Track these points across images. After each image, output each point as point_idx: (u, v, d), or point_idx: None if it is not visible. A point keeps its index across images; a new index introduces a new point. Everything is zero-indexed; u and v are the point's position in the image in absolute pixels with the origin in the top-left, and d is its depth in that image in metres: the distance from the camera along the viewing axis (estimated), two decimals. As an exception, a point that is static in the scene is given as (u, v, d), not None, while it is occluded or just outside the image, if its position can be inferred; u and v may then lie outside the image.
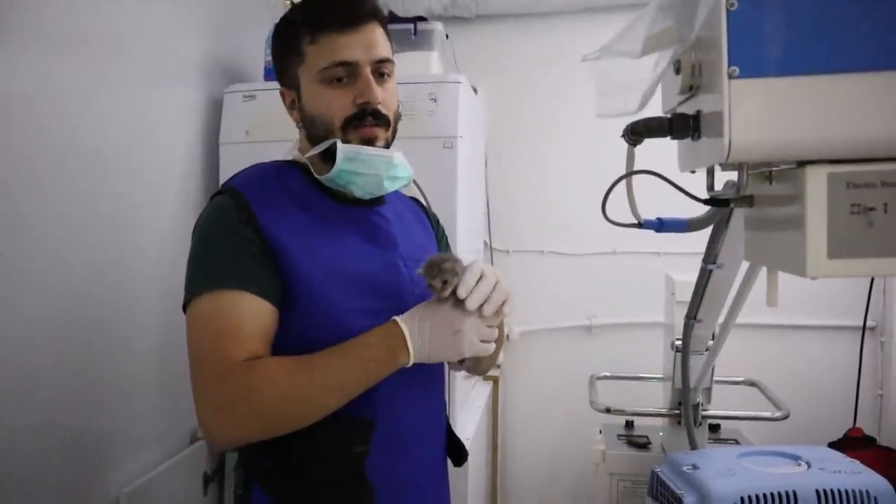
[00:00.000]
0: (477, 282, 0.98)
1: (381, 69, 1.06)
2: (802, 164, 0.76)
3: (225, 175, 1.98)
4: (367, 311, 1.02)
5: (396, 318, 0.99)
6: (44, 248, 1.39)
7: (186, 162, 1.93)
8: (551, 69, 2.74)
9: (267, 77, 2.08)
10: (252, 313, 0.96)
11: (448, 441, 1.21)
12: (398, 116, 1.12)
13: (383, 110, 1.06)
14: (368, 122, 1.05)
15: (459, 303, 0.97)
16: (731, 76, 0.71)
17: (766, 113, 0.72)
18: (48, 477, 1.40)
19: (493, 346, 1.03)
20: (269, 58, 2.05)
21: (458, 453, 1.24)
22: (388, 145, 1.09)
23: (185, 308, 1.00)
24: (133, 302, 1.68)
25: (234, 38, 2.16)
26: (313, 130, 1.08)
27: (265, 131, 1.89)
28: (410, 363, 0.98)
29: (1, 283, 1.27)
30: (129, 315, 1.66)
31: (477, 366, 1.23)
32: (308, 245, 1.01)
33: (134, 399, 1.68)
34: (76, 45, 1.47)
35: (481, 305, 0.98)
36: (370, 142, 1.05)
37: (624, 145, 0.99)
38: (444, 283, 0.97)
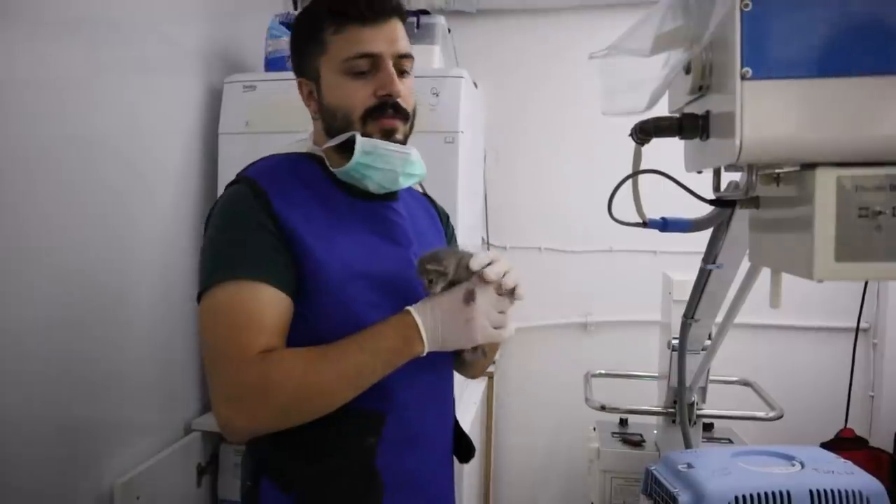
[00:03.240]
0: (489, 263, 1.00)
1: (402, 65, 1.07)
2: (808, 166, 0.76)
3: (224, 165, 1.97)
4: (380, 305, 1.02)
5: (409, 307, 1.00)
6: (39, 238, 1.38)
7: (185, 152, 1.92)
8: (551, 66, 2.74)
9: (267, 67, 2.07)
10: (270, 305, 0.96)
11: (455, 437, 1.22)
12: (415, 113, 1.12)
13: (403, 104, 1.06)
14: (389, 114, 1.05)
15: (470, 293, 0.99)
16: (743, 77, 0.71)
17: (779, 115, 0.71)
18: (43, 467, 1.40)
19: (508, 331, 1.04)
20: (270, 48, 2.04)
21: (465, 450, 1.25)
22: (405, 140, 1.10)
23: (199, 297, 0.99)
24: (129, 292, 1.67)
25: (234, 28, 2.15)
26: (332, 121, 1.08)
27: (265, 122, 1.88)
28: (426, 352, 0.98)
29: (-3, 272, 1.26)
30: (125, 305, 1.66)
31: (475, 364, 1.24)
32: (325, 238, 1.01)
33: (128, 390, 1.68)
34: (74, 31, 1.46)
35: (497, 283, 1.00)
36: (390, 133, 1.06)
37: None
38: (430, 282, 0.99)
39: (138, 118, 1.70)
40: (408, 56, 1.08)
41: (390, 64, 1.05)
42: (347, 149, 1.04)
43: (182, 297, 1.88)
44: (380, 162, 1.05)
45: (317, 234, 1.01)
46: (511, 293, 1.03)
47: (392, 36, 1.05)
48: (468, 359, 1.11)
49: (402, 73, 1.07)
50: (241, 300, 0.95)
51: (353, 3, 1.04)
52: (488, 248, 2.76)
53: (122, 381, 1.65)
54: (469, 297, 0.98)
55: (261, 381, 0.93)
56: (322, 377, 0.95)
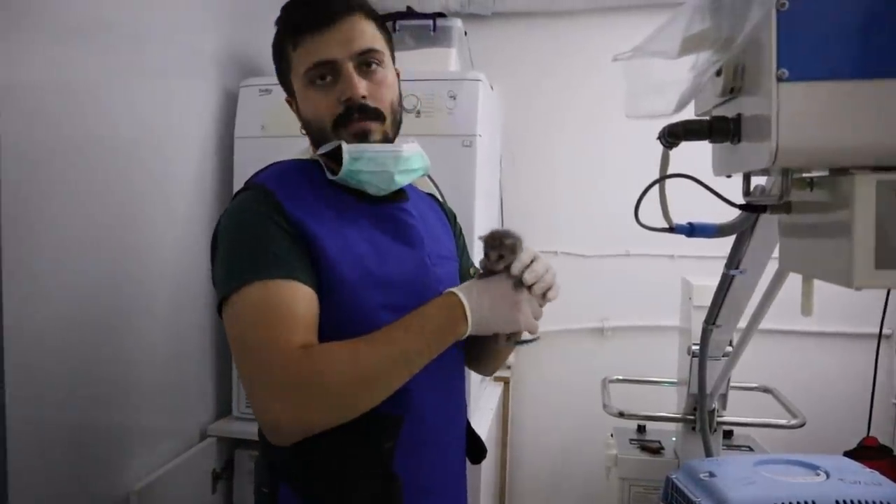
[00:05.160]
0: (531, 262, 1.00)
1: (366, 59, 1.05)
2: (839, 170, 0.74)
3: (239, 169, 1.97)
4: (394, 307, 1.00)
5: (453, 289, 0.99)
6: (56, 243, 1.37)
7: (201, 156, 1.92)
8: (567, 69, 2.72)
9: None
10: (300, 300, 0.94)
11: (468, 439, 1.22)
12: (397, 107, 1.11)
13: (371, 103, 1.04)
14: (355, 118, 1.04)
15: (512, 280, 0.99)
16: (780, 79, 0.69)
17: (816, 117, 0.69)
18: (60, 474, 1.39)
19: (538, 325, 1.04)
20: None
21: (477, 451, 1.24)
22: (387, 138, 1.08)
23: (222, 303, 0.97)
24: (144, 298, 1.67)
25: (250, 32, 2.15)
26: (312, 134, 1.09)
27: (281, 126, 1.87)
28: (468, 333, 0.98)
29: (12, 279, 1.25)
30: (140, 311, 1.65)
31: (494, 358, 1.25)
32: (338, 238, 1.00)
33: (144, 396, 1.67)
34: (90, 36, 1.46)
35: (532, 284, 0.99)
36: (364, 136, 1.04)
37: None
38: (501, 257, 0.98)
39: (155, 122, 1.69)
40: (370, 50, 1.05)
41: (349, 66, 1.03)
42: (339, 157, 1.03)
43: (197, 302, 1.87)
44: (370, 165, 1.04)
45: (329, 234, 1.00)
46: (542, 296, 1.02)
47: (347, 36, 1.03)
48: (500, 345, 1.10)
49: (368, 67, 1.05)
50: (273, 298, 0.93)
51: (302, 15, 1.04)
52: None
53: (136, 386, 1.64)
54: (518, 283, 0.99)
55: (309, 375, 0.90)
56: (371, 364, 0.92)
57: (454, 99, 1.82)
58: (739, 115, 0.82)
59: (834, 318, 2.50)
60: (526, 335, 1.08)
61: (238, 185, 1.94)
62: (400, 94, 1.13)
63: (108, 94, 1.52)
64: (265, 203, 0.99)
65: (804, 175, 0.82)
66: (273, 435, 0.94)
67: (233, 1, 2.06)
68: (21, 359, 1.28)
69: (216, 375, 2.01)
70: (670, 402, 2.11)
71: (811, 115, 0.70)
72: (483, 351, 1.21)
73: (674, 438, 2.10)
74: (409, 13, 2.24)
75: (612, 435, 2.22)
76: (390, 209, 1.10)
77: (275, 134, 1.91)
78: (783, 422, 1.85)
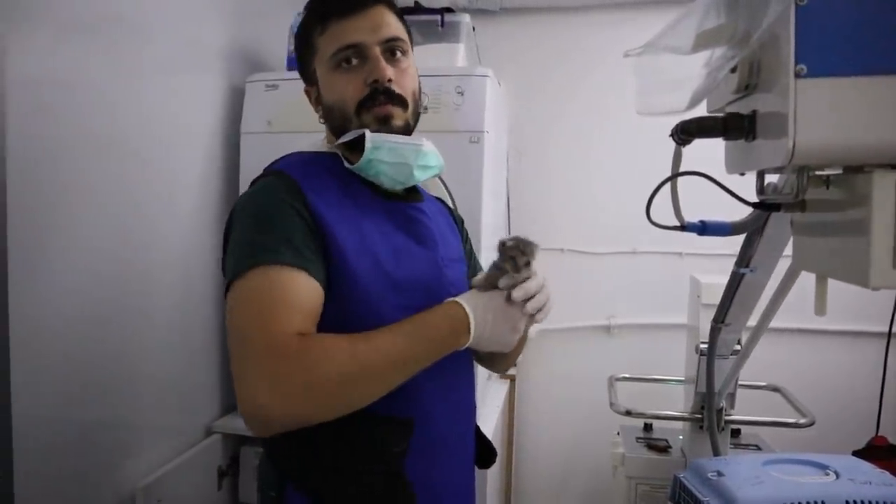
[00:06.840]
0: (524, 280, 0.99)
1: (392, 47, 1.06)
2: (854, 168, 0.73)
3: (246, 165, 1.96)
4: (406, 307, 0.99)
5: (458, 300, 0.98)
6: (61, 240, 1.37)
7: (207, 151, 1.91)
8: (575, 65, 2.71)
9: (290, 66, 2.06)
10: (306, 292, 0.92)
11: (477, 442, 1.20)
12: (418, 98, 1.11)
13: (396, 89, 1.04)
14: (381, 101, 1.03)
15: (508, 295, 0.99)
16: (797, 75, 0.68)
17: (834, 114, 0.68)
18: (65, 470, 1.39)
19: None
20: (292, 47, 2.04)
21: (486, 455, 1.23)
22: (408, 127, 1.08)
23: (229, 285, 0.94)
24: (149, 294, 1.66)
25: (256, 27, 2.14)
26: (332, 121, 1.08)
27: (287, 122, 1.86)
28: (466, 346, 0.97)
29: (18, 276, 1.25)
30: (145, 307, 1.65)
31: (502, 360, 1.27)
32: (355, 232, 0.99)
33: (149, 393, 1.67)
34: (96, 31, 1.45)
35: (527, 301, 0.99)
36: (386, 120, 1.04)
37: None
38: (524, 264, 0.99)
39: (160, 118, 1.68)
40: (396, 39, 1.06)
41: (377, 51, 1.04)
42: (358, 147, 1.03)
43: (203, 298, 1.87)
44: (391, 156, 1.03)
45: (348, 228, 0.99)
46: (531, 317, 1.03)
47: (375, 23, 1.04)
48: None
49: (393, 55, 1.06)
50: (277, 283, 0.91)
51: (332, 2, 1.05)
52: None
53: (142, 383, 1.64)
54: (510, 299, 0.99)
55: (302, 364, 0.86)
56: (368, 363, 0.89)
57: (462, 94, 1.81)
58: (755, 112, 0.81)
59: (843, 316, 2.48)
60: None
61: (245, 180, 1.94)
62: (420, 88, 1.13)
63: (113, 90, 1.51)
64: (289, 191, 0.97)
65: (822, 173, 0.80)
66: (256, 422, 0.89)
67: (239, -5, 2.06)
68: (26, 356, 1.27)
69: (221, 372, 2.01)
70: (677, 401, 2.10)
71: (829, 112, 0.69)
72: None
73: (681, 437, 2.09)
74: (417, 8, 2.22)
75: (618, 433, 2.21)
76: (407, 208, 1.10)
77: (281, 129, 1.90)
78: (792, 421, 1.84)
